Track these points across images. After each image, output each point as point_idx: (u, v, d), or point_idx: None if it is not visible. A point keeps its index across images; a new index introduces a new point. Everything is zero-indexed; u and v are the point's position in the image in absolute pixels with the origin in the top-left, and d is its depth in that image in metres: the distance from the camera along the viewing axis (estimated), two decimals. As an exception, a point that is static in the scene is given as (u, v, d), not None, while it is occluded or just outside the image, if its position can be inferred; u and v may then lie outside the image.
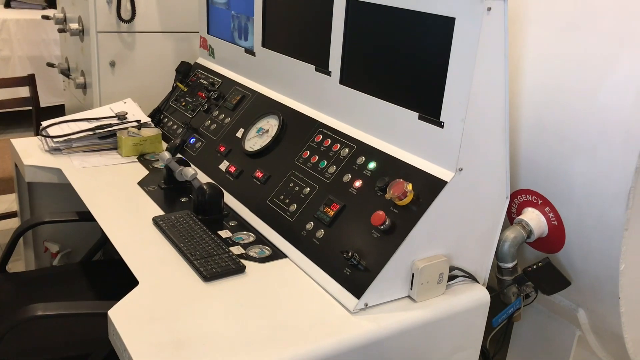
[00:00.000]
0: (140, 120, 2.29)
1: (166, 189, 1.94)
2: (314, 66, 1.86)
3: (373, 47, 1.62)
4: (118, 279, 1.96)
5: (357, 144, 1.68)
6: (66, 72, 3.01)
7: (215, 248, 1.58)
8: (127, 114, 2.31)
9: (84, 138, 2.19)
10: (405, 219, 1.44)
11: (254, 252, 1.62)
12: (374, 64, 1.63)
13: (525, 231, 1.66)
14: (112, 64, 2.66)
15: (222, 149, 2.05)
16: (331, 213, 1.58)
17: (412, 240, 1.42)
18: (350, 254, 1.43)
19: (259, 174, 1.86)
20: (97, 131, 2.20)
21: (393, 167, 1.55)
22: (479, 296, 1.54)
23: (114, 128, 2.23)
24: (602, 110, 1.49)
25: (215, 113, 2.22)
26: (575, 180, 1.56)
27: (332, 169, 1.68)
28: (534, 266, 1.65)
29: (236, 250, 1.61)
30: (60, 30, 2.91)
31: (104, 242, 2.15)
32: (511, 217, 1.75)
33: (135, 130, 2.23)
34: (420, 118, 1.51)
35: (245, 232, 1.71)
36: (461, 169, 1.43)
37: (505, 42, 1.38)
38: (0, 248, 3.17)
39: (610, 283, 1.57)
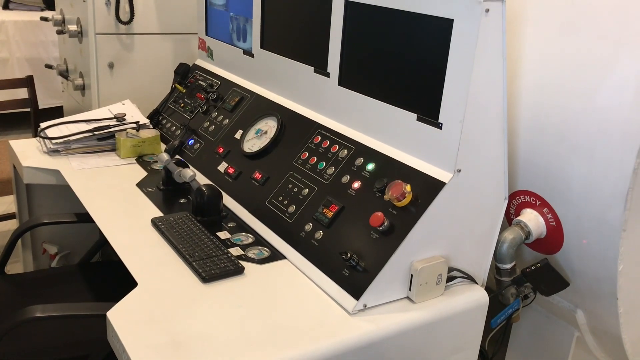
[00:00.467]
0: (138, 122, 2.29)
1: (165, 190, 1.94)
2: (312, 68, 1.86)
3: (371, 49, 1.63)
4: (116, 281, 1.96)
5: (356, 145, 1.68)
6: (65, 74, 3.01)
7: (214, 249, 1.58)
8: (125, 115, 2.31)
9: (82, 139, 2.19)
10: (403, 220, 1.44)
11: (252, 253, 1.62)
12: (372, 66, 1.63)
13: (523, 232, 1.66)
14: (111, 66, 2.66)
15: (221, 150, 2.06)
16: (330, 214, 1.58)
17: (411, 241, 1.42)
18: (349, 255, 1.44)
19: (257, 175, 1.86)
20: (96, 133, 2.20)
21: (391, 169, 1.55)
22: (477, 297, 1.54)
23: (112, 129, 2.23)
24: (600, 111, 1.49)
25: (214, 114, 2.22)
26: (573, 181, 1.56)
27: (331, 170, 1.68)
28: (533, 267, 1.65)
29: (235, 251, 1.61)
30: (59, 32, 2.91)
31: (103, 244, 2.15)
32: (510, 218, 1.76)
33: (134, 131, 2.23)
34: (418, 119, 1.51)
35: (244, 234, 1.71)
36: (459, 170, 1.43)
37: (503, 43, 1.39)
38: (-1, 250, 3.16)
39: (609, 284, 1.57)
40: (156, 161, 2.18)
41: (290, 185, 1.74)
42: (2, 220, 3.08)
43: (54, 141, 2.15)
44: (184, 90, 2.45)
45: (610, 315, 1.62)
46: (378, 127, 1.63)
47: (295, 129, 1.89)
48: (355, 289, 1.42)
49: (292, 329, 1.33)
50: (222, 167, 2.00)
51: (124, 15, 2.60)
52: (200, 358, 1.22)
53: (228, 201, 1.87)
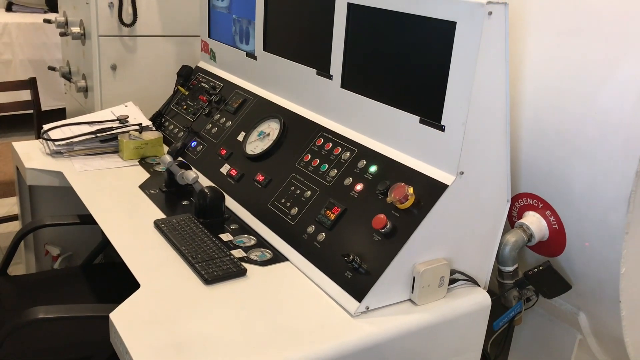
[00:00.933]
0: (141, 124, 2.29)
1: (167, 192, 1.95)
2: (315, 70, 1.86)
3: (374, 51, 1.63)
4: (119, 282, 1.96)
5: (358, 148, 1.68)
6: (67, 76, 3.02)
7: (217, 251, 1.58)
8: (128, 117, 2.31)
9: (85, 141, 2.19)
10: (406, 223, 1.44)
11: (255, 255, 1.62)
12: (375, 68, 1.64)
13: (526, 235, 1.66)
14: (114, 68, 2.66)
15: (224, 152, 2.06)
16: (332, 216, 1.58)
17: (413, 243, 1.42)
18: (351, 257, 1.44)
19: (260, 178, 1.86)
20: (99, 134, 2.21)
21: (394, 171, 1.55)
22: (479, 300, 1.54)
23: (115, 131, 2.23)
24: (602, 114, 1.49)
25: (217, 116, 2.23)
26: (575, 183, 1.56)
27: (333, 172, 1.68)
28: (535, 270, 1.65)
29: (237, 253, 1.61)
30: (62, 34, 2.92)
31: (105, 245, 2.15)
32: (512, 221, 1.76)
33: (137, 133, 2.23)
34: (421, 122, 1.51)
35: (246, 236, 1.72)
36: (462, 173, 1.44)
37: (506, 46, 1.39)
38: (2, 251, 3.17)
39: (611, 287, 1.57)
40: (159, 163, 2.18)
41: (292, 188, 1.75)
42: (5, 222, 3.09)
43: (56, 143, 2.15)
44: (187, 93, 2.46)
45: (613, 318, 1.62)
46: (381, 129, 1.64)
47: (298, 131, 1.89)
48: (358, 291, 1.42)
49: (295, 331, 1.33)
50: (225, 169, 2.00)
51: (127, 17, 2.61)
52: (203, 360, 1.22)
53: (230, 203, 1.87)
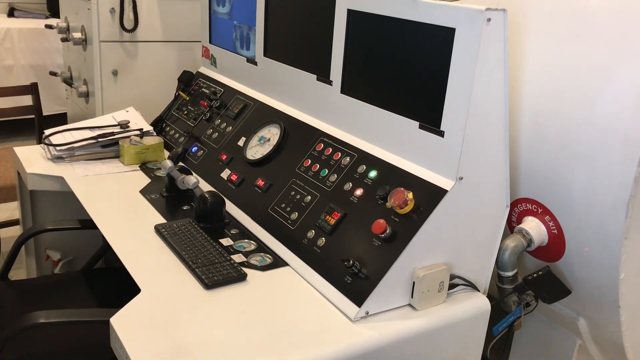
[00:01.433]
0: (142, 129, 2.30)
1: (168, 197, 1.95)
2: (315, 75, 1.87)
3: (374, 57, 1.64)
4: (120, 287, 1.96)
5: (358, 153, 1.68)
6: (69, 81, 3.03)
7: (217, 256, 1.59)
8: (129, 122, 2.32)
9: (86, 146, 2.20)
10: (405, 228, 1.44)
11: (255, 260, 1.62)
12: (374, 74, 1.64)
13: (525, 240, 1.67)
14: (115, 73, 2.67)
15: (224, 157, 2.07)
16: (332, 221, 1.59)
17: (413, 248, 1.43)
18: (351, 262, 1.44)
19: (260, 183, 1.87)
20: (100, 139, 2.21)
21: (394, 176, 1.56)
22: (479, 305, 1.54)
23: (116, 136, 2.24)
24: (601, 119, 1.50)
25: (217, 122, 2.24)
26: (575, 189, 1.56)
27: (333, 177, 1.69)
28: (534, 275, 1.66)
29: (237, 258, 1.62)
30: (63, 40, 2.93)
31: (106, 250, 2.15)
32: (511, 226, 1.76)
33: (138, 138, 2.24)
34: (420, 127, 1.52)
35: (246, 240, 1.72)
36: (461, 178, 1.44)
37: (505, 52, 1.40)
38: (2, 256, 3.17)
39: (611, 292, 1.57)
40: (159, 168, 2.19)
41: (292, 193, 1.75)
42: (6, 227, 3.09)
43: (58, 148, 2.16)
44: (188, 98, 2.47)
45: (612, 323, 1.62)
46: (380, 134, 1.64)
47: (298, 137, 1.90)
48: (358, 296, 1.42)
49: (294, 336, 1.33)
50: (225, 174, 2.01)
51: (128, 23, 2.62)
52: (203, 364, 1.22)
53: (231, 208, 1.88)
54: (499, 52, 1.38)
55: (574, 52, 1.57)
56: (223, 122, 2.21)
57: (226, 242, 1.70)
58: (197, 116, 2.35)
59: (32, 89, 3.16)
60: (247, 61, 2.25)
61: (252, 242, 1.71)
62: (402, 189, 1.47)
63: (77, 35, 2.73)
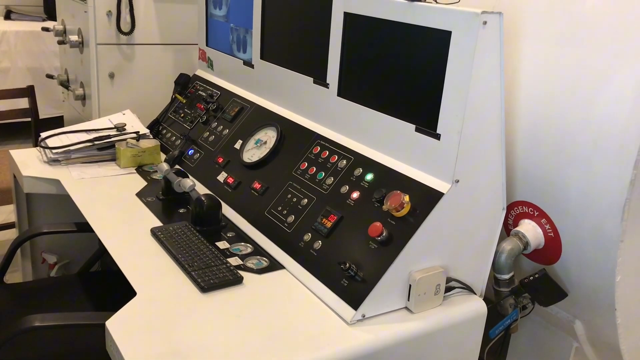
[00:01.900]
0: (139, 132, 2.29)
1: (164, 200, 1.95)
2: (312, 78, 1.87)
3: (370, 60, 1.64)
4: (116, 290, 1.96)
5: (355, 156, 1.69)
6: (65, 84, 3.02)
7: (213, 259, 1.58)
8: (125, 125, 2.31)
9: (82, 149, 2.20)
10: (402, 231, 1.44)
11: (251, 263, 1.62)
12: (371, 77, 1.65)
13: (521, 243, 1.67)
14: (111, 76, 2.67)
15: (221, 160, 2.06)
16: (329, 224, 1.59)
17: (409, 251, 1.43)
18: (347, 265, 1.44)
19: (257, 185, 1.86)
20: (96, 142, 2.21)
21: (390, 179, 1.56)
22: (475, 307, 1.54)
23: (112, 139, 2.24)
24: (597, 122, 1.50)
25: (214, 125, 2.23)
26: (571, 192, 1.57)
27: (330, 180, 1.69)
28: (531, 277, 1.66)
29: (234, 261, 1.62)
30: (60, 42, 2.93)
31: (102, 253, 2.15)
32: (508, 229, 1.76)
33: (134, 141, 2.24)
34: (417, 130, 1.52)
35: (243, 243, 1.72)
36: (458, 181, 1.44)
37: (501, 55, 1.40)
38: (-2, 259, 3.16)
39: (607, 294, 1.57)
40: (156, 171, 2.18)
41: (289, 195, 1.75)
42: (2, 230, 3.09)
43: (54, 151, 2.16)
44: (184, 101, 2.46)
45: (609, 326, 1.62)
46: (377, 137, 1.64)
47: (295, 139, 1.90)
48: (354, 299, 1.42)
49: (291, 339, 1.33)
50: (222, 177, 2.00)
51: (125, 25, 2.62)
52: (199, 368, 1.22)
53: (227, 211, 1.88)
54: (495, 54, 1.39)
55: (569, 54, 1.57)
56: (220, 124, 2.21)
57: (222, 245, 1.70)
58: (194, 119, 2.34)
59: (28, 92, 3.16)
60: (244, 64, 2.25)
61: (248, 245, 1.71)
62: (398, 191, 1.47)
63: (74, 38, 2.73)
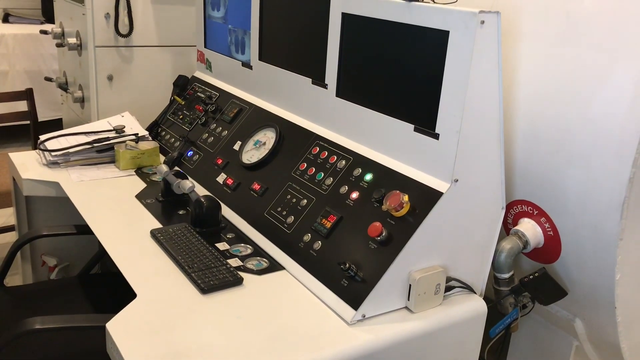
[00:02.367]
0: (138, 134, 2.30)
1: (164, 201, 1.95)
2: (310, 79, 1.87)
3: (369, 60, 1.64)
4: (116, 292, 1.96)
5: (354, 156, 1.69)
6: (64, 86, 3.02)
7: (213, 260, 1.58)
8: (124, 127, 2.32)
9: (81, 152, 2.20)
10: (401, 230, 1.44)
11: (251, 264, 1.62)
12: (369, 77, 1.65)
13: (521, 242, 1.67)
14: (110, 78, 2.67)
15: (220, 161, 2.06)
16: (328, 225, 1.59)
17: (409, 251, 1.43)
18: (347, 265, 1.44)
19: (256, 186, 1.86)
20: (95, 145, 2.21)
21: (389, 179, 1.56)
22: (476, 307, 1.55)
23: (111, 141, 2.24)
24: (595, 121, 1.50)
25: (213, 126, 2.24)
26: (570, 190, 1.57)
27: (329, 180, 1.69)
28: (531, 276, 1.66)
29: (234, 262, 1.62)
30: (58, 45, 2.93)
31: (102, 255, 2.15)
32: (507, 228, 1.76)
33: (133, 143, 2.24)
34: (415, 130, 1.52)
35: (242, 245, 1.72)
36: (457, 180, 1.44)
37: (499, 54, 1.40)
38: (-2, 262, 3.16)
39: (607, 293, 1.57)
40: (155, 173, 2.18)
41: (288, 196, 1.75)
42: (2, 233, 3.08)
43: (53, 153, 2.16)
44: (183, 102, 2.47)
45: (609, 324, 1.63)
46: (376, 137, 1.65)
47: (294, 140, 1.90)
48: (354, 299, 1.42)
49: (291, 339, 1.33)
50: (221, 178, 2.01)
51: (123, 28, 2.62)
52: (200, 369, 1.22)
53: (227, 212, 1.88)
54: (493, 54, 1.39)
55: (568, 54, 1.57)
56: (218, 126, 2.21)
57: (222, 246, 1.70)
58: (193, 120, 2.35)
59: (27, 95, 3.16)
60: (242, 65, 2.25)
61: (248, 246, 1.71)
62: (397, 191, 1.47)
63: (72, 40, 2.73)
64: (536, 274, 1.66)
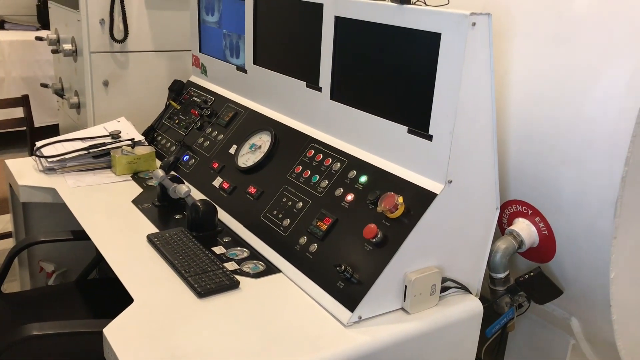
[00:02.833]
0: (134, 139, 2.30)
1: (160, 206, 1.95)
2: (304, 82, 1.88)
3: (362, 63, 1.65)
4: (113, 297, 1.96)
5: (349, 158, 1.69)
6: (60, 92, 3.03)
7: (210, 264, 1.59)
8: (120, 132, 2.32)
9: (78, 157, 2.20)
10: (396, 232, 1.45)
11: (248, 267, 1.63)
12: (363, 80, 1.65)
13: (516, 241, 1.68)
14: (106, 84, 2.68)
15: (216, 165, 2.07)
16: (324, 227, 1.59)
17: (404, 252, 1.43)
18: (343, 267, 1.45)
19: (252, 190, 1.87)
20: (91, 150, 2.22)
21: (384, 181, 1.57)
22: (471, 307, 1.55)
23: (107, 147, 2.24)
24: (588, 120, 1.51)
25: (208, 130, 2.24)
26: (564, 190, 1.58)
27: (324, 183, 1.70)
28: (526, 276, 1.67)
29: (230, 266, 1.62)
30: (54, 51, 2.94)
31: (99, 261, 2.15)
32: (502, 228, 1.77)
33: (129, 148, 2.24)
34: (409, 132, 1.53)
35: (239, 248, 1.72)
36: (451, 181, 1.45)
37: (491, 55, 1.41)
38: (-4, 269, 3.16)
39: (602, 291, 1.58)
40: (151, 178, 2.19)
41: (284, 199, 1.76)
42: (-1, 239, 3.08)
43: (49, 159, 2.16)
44: (179, 107, 2.47)
45: (605, 322, 1.63)
46: (370, 140, 1.65)
47: (289, 143, 1.90)
48: (350, 301, 1.42)
49: (288, 342, 1.34)
50: (217, 182, 2.01)
51: (118, 33, 2.63)
52: (197, 373, 1.23)
53: (223, 216, 1.88)
54: (484, 55, 1.40)
55: (560, 54, 1.58)
56: (214, 130, 2.22)
57: (219, 250, 1.70)
58: (188, 125, 2.35)
59: (23, 101, 3.16)
60: (237, 69, 2.26)
61: (244, 249, 1.72)
62: (392, 193, 1.48)
63: (68, 46, 2.73)
64: (531, 274, 1.66)
